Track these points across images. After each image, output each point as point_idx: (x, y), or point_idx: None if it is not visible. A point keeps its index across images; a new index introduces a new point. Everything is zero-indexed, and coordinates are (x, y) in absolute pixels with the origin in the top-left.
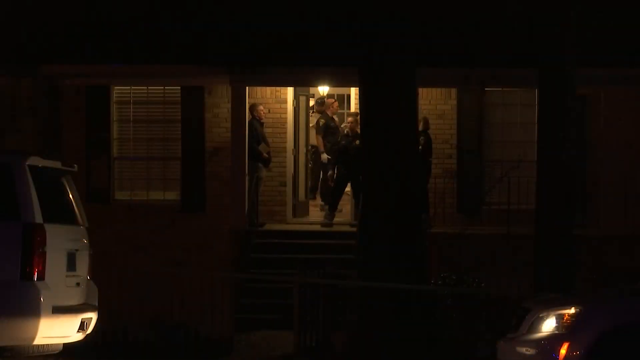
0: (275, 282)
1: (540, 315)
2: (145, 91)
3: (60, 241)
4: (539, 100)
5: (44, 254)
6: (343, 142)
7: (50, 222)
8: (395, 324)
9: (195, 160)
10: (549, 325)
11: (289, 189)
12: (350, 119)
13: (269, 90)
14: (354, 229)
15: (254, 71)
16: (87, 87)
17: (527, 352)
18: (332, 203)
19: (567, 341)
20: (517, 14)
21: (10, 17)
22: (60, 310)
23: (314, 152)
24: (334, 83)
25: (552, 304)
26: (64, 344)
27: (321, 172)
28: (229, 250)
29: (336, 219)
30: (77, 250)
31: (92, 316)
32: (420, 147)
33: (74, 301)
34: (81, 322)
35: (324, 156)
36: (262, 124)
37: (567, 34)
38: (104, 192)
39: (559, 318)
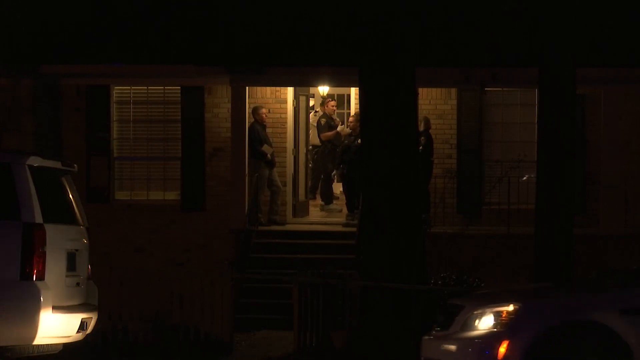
0: (275, 282)
1: (476, 312)
2: (145, 91)
3: (60, 241)
4: (539, 100)
5: (44, 254)
6: (346, 141)
7: (50, 222)
8: (395, 324)
9: (195, 160)
10: (486, 322)
11: (289, 189)
12: (352, 118)
13: (269, 90)
14: (354, 229)
15: (254, 71)
16: (87, 87)
17: (461, 350)
18: (348, 204)
19: (506, 339)
20: (517, 13)
21: (10, 17)
22: (60, 310)
23: (315, 151)
24: (334, 83)
25: (488, 301)
26: (64, 344)
27: (322, 172)
28: (229, 250)
29: (333, 219)
30: (77, 250)
31: (92, 316)
32: (421, 147)
33: (74, 301)
34: (81, 322)
35: (344, 129)
36: (264, 127)
37: (567, 34)
38: (104, 192)
39: (497, 315)
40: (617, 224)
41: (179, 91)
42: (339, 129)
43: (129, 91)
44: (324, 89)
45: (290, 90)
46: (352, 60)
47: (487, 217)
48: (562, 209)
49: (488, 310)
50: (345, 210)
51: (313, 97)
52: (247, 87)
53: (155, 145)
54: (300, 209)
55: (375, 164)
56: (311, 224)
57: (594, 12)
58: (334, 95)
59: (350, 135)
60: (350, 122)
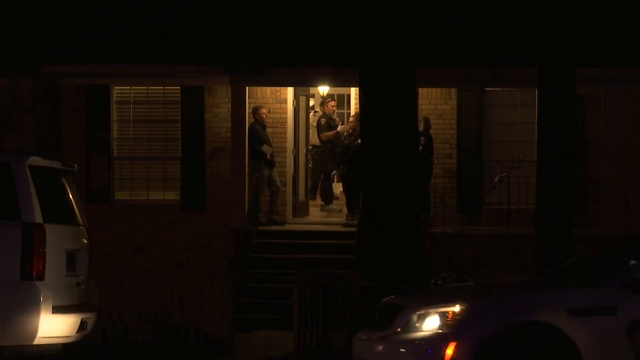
0: (275, 282)
1: (418, 312)
2: (145, 91)
3: (60, 241)
4: (539, 100)
5: (44, 254)
6: (346, 141)
7: (50, 222)
8: None
9: (195, 160)
10: (431, 323)
11: (289, 189)
12: (352, 118)
13: (269, 90)
14: (354, 229)
15: (254, 71)
16: (87, 87)
17: (403, 352)
18: (348, 204)
19: (453, 341)
20: (517, 13)
21: (10, 17)
22: (60, 310)
23: (314, 151)
24: (334, 83)
25: (431, 301)
26: (64, 344)
27: (322, 172)
28: (229, 250)
29: (333, 219)
30: (77, 250)
31: (92, 316)
32: (421, 147)
33: (74, 301)
34: (81, 322)
35: (344, 129)
36: (264, 127)
37: (567, 34)
38: (104, 192)
39: (443, 316)
40: (617, 224)
41: (179, 91)
42: (339, 128)
43: (129, 91)
44: (324, 89)
45: (290, 90)
46: (352, 60)
47: (487, 217)
48: (562, 209)
49: (432, 310)
50: (345, 210)
51: (313, 97)
52: (247, 87)
53: (155, 145)
54: (300, 209)
55: (375, 164)
56: (311, 224)
57: (594, 12)
58: (334, 95)
59: (350, 135)
60: (351, 122)
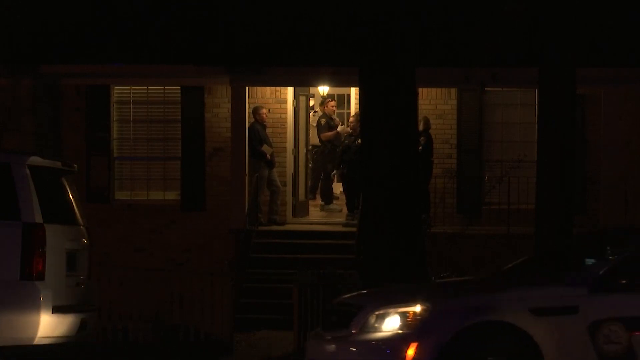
0: (275, 282)
1: (377, 312)
2: (145, 91)
3: (60, 241)
4: (539, 100)
5: (44, 254)
6: (346, 141)
7: (50, 222)
8: None
9: (195, 160)
10: (390, 324)
11: (289, 189)
12: (352, 118)
13: (269, 90)
14: (354, 229)
15: (254, 71)
16: (87, 87)
17: (360, 353)
18: (348, 204)
19: (414, 341)
20: (517, 13)
21: (10, 17)
22: (60, 310)
23: (314, 151)
24: (334, 83)
25: (391, 300)
26: (64, 344)
27: (322, 172)
28: (229, 250)
29: (333, 219)
30: (77, 250)
31: (92, 316)
32: (420, 147)
33: (74, 301)
34: (81, 322)
35: (344, 129)
36: (264, 127)
37: (567, 34)
38: (104, 192)
39: (403, 316)
40: (617, 224)
41: (179, 91)
42: (339, 128)
43: (129, 91)
44: (324, 89)
45: (290, 90)
46: (352, 60)
47: (487, 217)
48: (562, 209)
49: (392, 310)
50: (345, 210)
51: (313, 97)
52: (247, 87)
53: (155, 145)
54: (300, 209)
55: (375, 164)
56: (311, 224)
57: (594, 12)
58: (334, 95)
59: (350, 135)
60: (351, 122)
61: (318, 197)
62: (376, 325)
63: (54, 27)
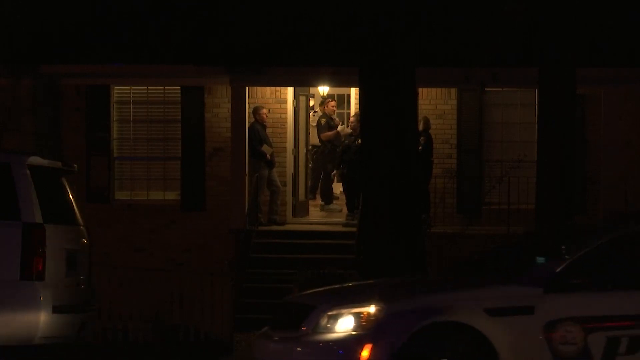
0: (275, 282)
1: (330, 313)
2: (145, 91)
3: (60, 241)
4: (539, 100)
5: (44, 254)
6: (346, 141)
7: (50, 222)
8: None
9: (195, 160)
10: (343, 324)
11: (289, 189)
12: (352, 118)
13: (269, 90)
14: (354, 229)
15: (254, 71)
16: (87, 87)
17: (313, 354)
18: (348, 204)
19: (369, 343)
20: (517, 13)
21: (10, 17)
22: (60, 310)
23: (314, 151)
24: (334, 83)
25: (344, 300)
26: (64, 344)
27: (321, 172)
28: (229, 250)
29: (333, 219)
30: (77, 250)
31: (92, 316)
32: (421, 147)
33: (74, 301)
34: (81, 322)
35: (344, 129)
36: (264, 127)
37: (567, 34)
38: (104, 192)
39: (357, 317)
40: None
41: (179, 91)
42: (339, 128)
43: (129, 91)
44: (324, 89)
45: (290, 90)
46: (352, 60)
47: (487, 217)
48: (562, 209)
49: (346, 311)
50: (345, 210)
51: (313, 97)
52: (247, 87)
53: (155, 145)
54: (300, 209)
55: (375, 164)
56: (311, 224)
57: (594, 12)
58: (334, 95)
59: (350, 135)
60: (351, 122)
61: (318, 197)
62: (329, 325)
63: (54, 27)
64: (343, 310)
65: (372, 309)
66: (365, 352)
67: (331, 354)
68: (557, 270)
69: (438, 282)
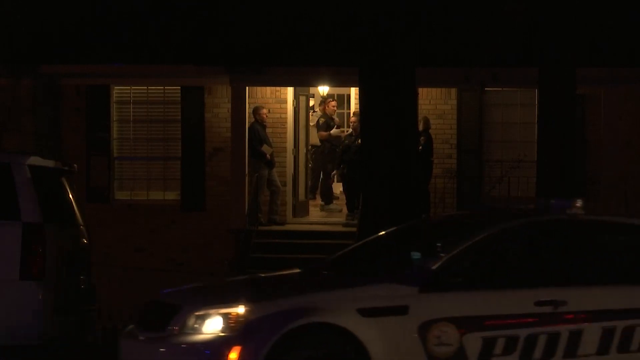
0: None
1: (197, 313)
2: (145, 91)
3: (60, 241)
4: (539, 100)
5: (44, 254)
6: (346, 141)
7: (50, 222)
8: None
9: (195, 160)
10: (211, 326)
11: (289, 189)
12: (353, 118)
13: (269, 90)
14: (354, 229)
15: (254, 71)
16: (87, 87)
17: (178, 355)
18: (348, 204)
19: (238, 345)
20: (517, 13)
21: (10, 17)
22: (60, 310)
23: (314, 151)
24: (334, 83)
25: (211, 300)
26: (64, 344)
27: (321, 172)
28: (229, 250)
29: (333, 219)
30: (77, 250)
31: (92, 316)
32: (420, 147)
33: (74, 301)
34: (81, 322)
35: (337, 132)
36: (264, 127)
37: (567, 34)
38: (104, 192)
39: (225, 318)
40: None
41: (179, 91)
42: (332, 131)
43: (129, 91)
44: (324, 89)
45: (290, 90)
46: (352, 60)
47: None
48: None
49: (213, 311)
50: (345, 210)
51: (313, 97)
52: (247, 87)
53: (155, 145)
54: (300, 209)
55: (375, 164)
56: (311, 224)
57: (594, 12)
58: (334, 95)
59: (350, 135)
60: (352, 121)
61: (318, 197)
62: (196, 326)
63: (54, 27)
64: (211, 311)
65: (241, 309)
66: (234, 355)
67: (197, 356)
68: (433, 268)
69: (313, 279)
